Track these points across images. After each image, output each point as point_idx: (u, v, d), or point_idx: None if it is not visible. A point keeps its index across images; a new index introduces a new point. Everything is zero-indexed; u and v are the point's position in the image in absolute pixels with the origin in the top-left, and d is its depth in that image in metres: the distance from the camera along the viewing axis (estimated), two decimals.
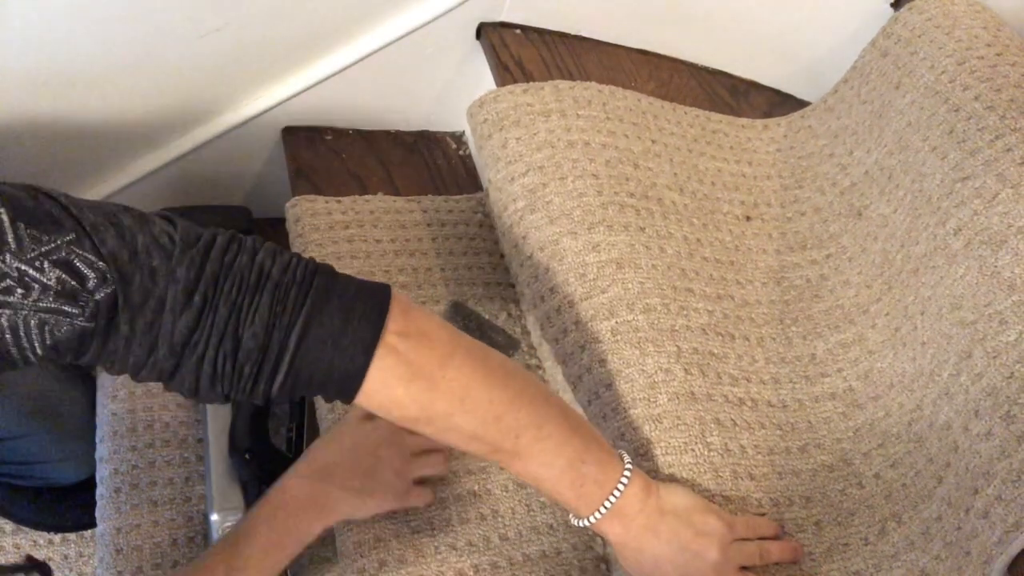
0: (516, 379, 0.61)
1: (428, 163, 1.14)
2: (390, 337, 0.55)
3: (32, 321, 0.47)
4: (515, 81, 0.94)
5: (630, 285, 0.75)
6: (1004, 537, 0.60)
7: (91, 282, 0.48)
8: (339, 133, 1.13)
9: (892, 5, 0.97)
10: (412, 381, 0.56)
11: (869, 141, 0.90)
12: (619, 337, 0.73)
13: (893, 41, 0.91)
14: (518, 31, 1.02)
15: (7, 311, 0.46)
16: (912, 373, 0.75)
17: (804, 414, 0.77)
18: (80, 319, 0.48)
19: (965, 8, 0.89)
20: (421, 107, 1.15)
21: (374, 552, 0.74)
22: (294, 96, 1.03)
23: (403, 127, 1.17)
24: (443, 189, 1.10)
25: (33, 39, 0.82)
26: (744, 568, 0.65)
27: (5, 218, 0.46)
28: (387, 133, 1.17)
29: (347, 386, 0.55)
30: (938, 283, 0.75)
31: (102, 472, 0.90)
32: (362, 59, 1.01)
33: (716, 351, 0.76)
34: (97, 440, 0.92)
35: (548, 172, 0.81)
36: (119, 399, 0.94)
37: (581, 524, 0.63)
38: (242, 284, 0.52)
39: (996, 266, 0.71)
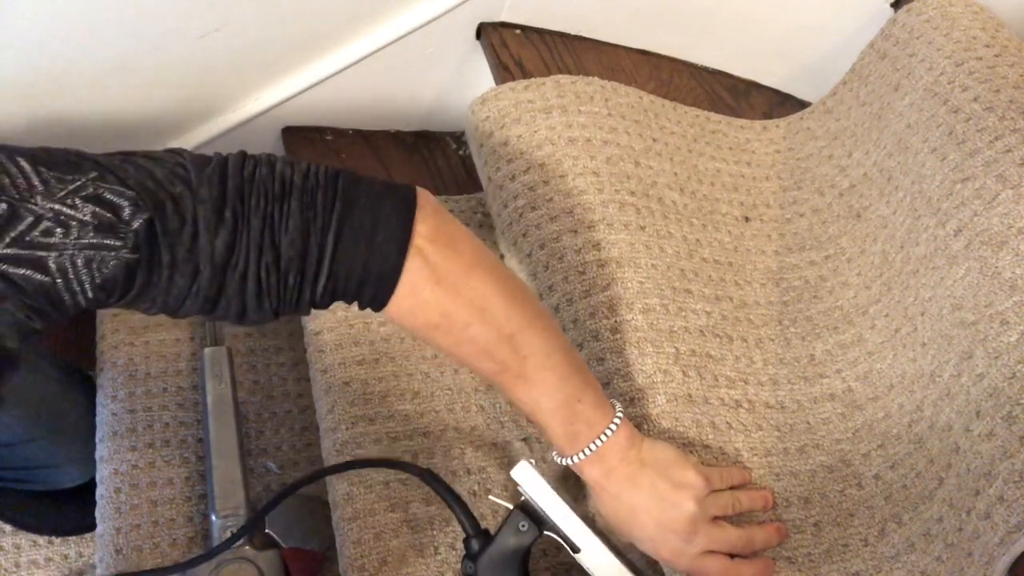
0: (533, 304, 0.62)
1: (428, 163, 1.14)
2: (418, 239, 0.56)
3: (79, 260, 0.47)
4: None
5: (630, 284, 0.75)
6: (1006, 538, 0.60)
7: (126, 211, 0.49)
8: (339, 133, 1.13)
9: (892, 5, 0.97)
10: (438, 284, 0.57)
11: (868, 143, 0.90)
12: (618, 336, 0.73)
13: (891, 43, 0.91)
14: (518, 31, 1.02)
15: (52, 253, 0.46)
16: (912, 374, 0.75)
17: (803, 415, 0.77)
18: (124, 251, 0.48)
19: (963, 9, 0.89)
20: (421, 107, 1.14)
21: (374, 551, 0.74)
22: (294, 96, 1.03)
23: (403, 127, 1.17)
24: (443, 189, 1.10)
25: (32, 40, 0.82)
26: (716, 518, 0.66)
27: (26, 165, 0.47)
28: (387, 133, 1.16)
29: (383, 286, 0.56)
30: (938, 284, 0.75)
31: (102, 472, 0.89)
32: (362, 59, 1.01)
33: (714, 353, 0.76)
34: (97, 440, 0.92)
35: (549, 169, 0.81)
36: (119, 399, 0.94)
37: (562, 463, 0.65)
38: (268, 194, 0.53)
39: (997, 267, 0.71)
